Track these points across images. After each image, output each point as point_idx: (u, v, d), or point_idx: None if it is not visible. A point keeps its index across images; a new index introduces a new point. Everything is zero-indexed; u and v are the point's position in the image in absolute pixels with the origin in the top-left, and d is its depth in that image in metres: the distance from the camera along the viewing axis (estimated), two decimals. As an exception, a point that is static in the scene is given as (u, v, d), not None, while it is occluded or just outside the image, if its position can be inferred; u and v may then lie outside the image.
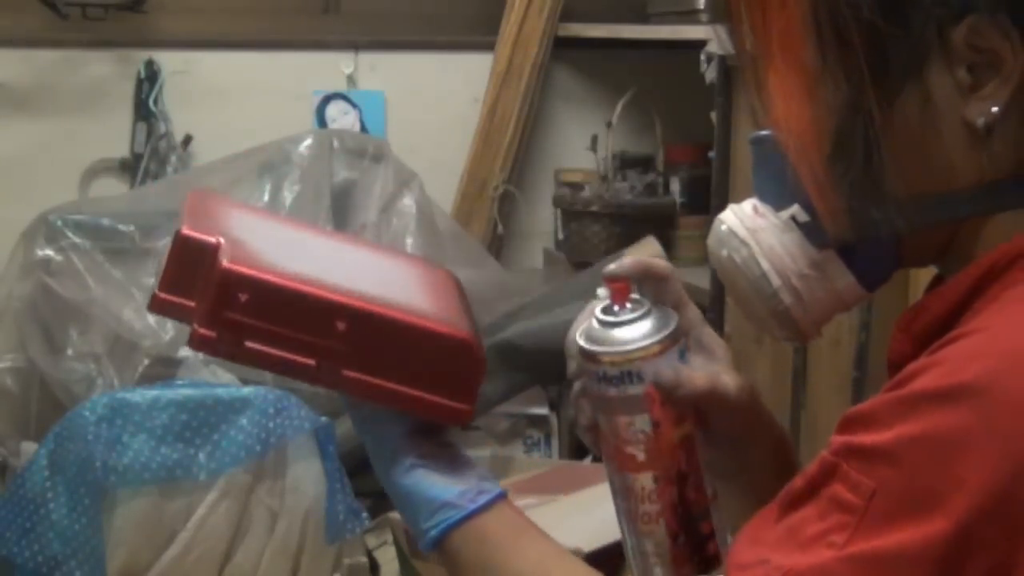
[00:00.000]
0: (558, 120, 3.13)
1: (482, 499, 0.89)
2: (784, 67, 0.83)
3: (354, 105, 3.05)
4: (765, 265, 0.88)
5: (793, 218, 0.88)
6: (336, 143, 2.74)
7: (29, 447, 2.38)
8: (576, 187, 2.94)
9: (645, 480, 0.90)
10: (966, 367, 0.71)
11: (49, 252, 2.56)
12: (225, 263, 0.85)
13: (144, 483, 2.24)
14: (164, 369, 2.44)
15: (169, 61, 2.96)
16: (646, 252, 2.45)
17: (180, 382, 2.36)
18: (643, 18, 2.95)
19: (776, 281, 0.88)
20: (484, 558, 0.88)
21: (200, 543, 2.26)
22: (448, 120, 3.08)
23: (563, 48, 3.01)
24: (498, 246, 3.02)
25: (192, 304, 0.87)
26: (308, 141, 2.71)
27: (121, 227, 2.59)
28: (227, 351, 0.86)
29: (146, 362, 2.44)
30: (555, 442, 2.70)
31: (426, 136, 3.06)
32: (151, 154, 2.92)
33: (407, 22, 3.09)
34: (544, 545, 0.90)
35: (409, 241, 2.66)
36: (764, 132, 0.88)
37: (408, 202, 2.72)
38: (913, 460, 0.70)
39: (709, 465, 0.93)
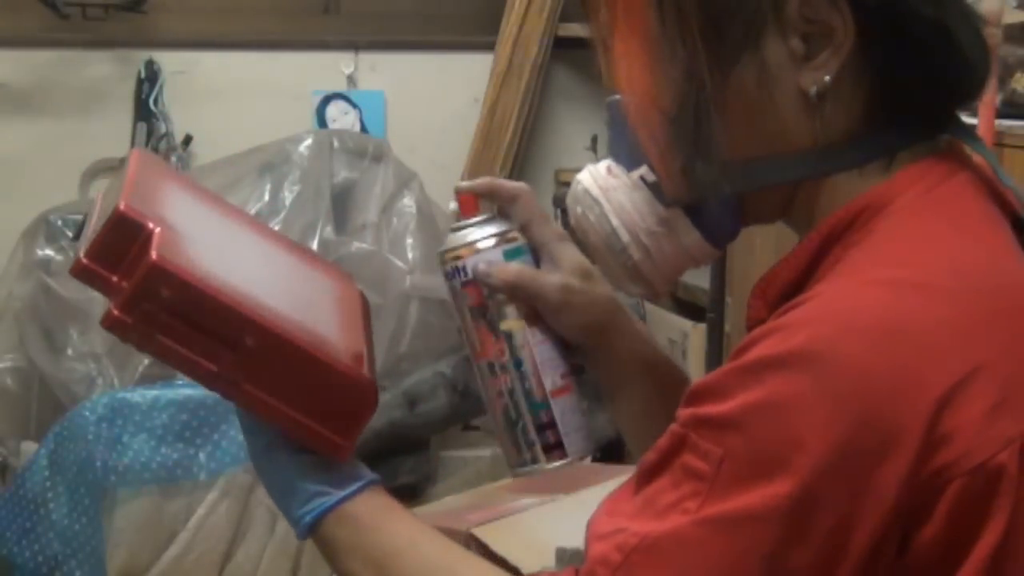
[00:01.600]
0: (558, 120, 3.13)
1: (353, 486, 0.93)
2: (628, 34, 0.87)
3: (354, 105, 3.05)
4: (615, 222, 0.93)
5: (642, 178, 0.92)
6: (336, 143, 2.74)
7: (29, 447, 2.38)
8: (576, 187, 2.94)
9: (484, 366, 1.01)
10: (798, 333, 0.74)
11: (49, 252, 2.56)
12: (154, 256, 0.86)
13: (144, 483, 2.25)
14: (164, 369, 2.43)
15: (169, 61, 2.96)
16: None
17: (180, 382, 2.36)
18: (643, 18, 2.95)
19: (625, 237, 0.92)
20: (357, 540, 0.92)
21: (200, 543, 2.27)
22: (448, 120, 3.08)
23: (563, 48, 3.01)
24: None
25: (115, 279, 0.88)
26: (308, 141, 2.71)
27: (121, 227, 2.58)
28: (137, 340, 0.88)
29: (146, 362, 2.44)
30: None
31: (426, 136, 3.06)
32: (151, 154, 2.92)
33: (407, 22, 3.09)
34: (414, 526, 0.94)
35: (409, 241, 2.66)
36: (618, 97, 0.92)
37: (408, 202, 2.72)
38: (756, 426, 0.74)
39: (572, 369, 1.01)
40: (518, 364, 1.00)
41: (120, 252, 0.87)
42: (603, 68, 0.91)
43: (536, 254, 1.02)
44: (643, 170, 0.92)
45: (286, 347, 0.90)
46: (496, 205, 1.03)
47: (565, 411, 1.00)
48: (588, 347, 1.02)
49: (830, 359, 0.73)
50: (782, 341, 0.75)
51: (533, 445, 1.00)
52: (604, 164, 0.95)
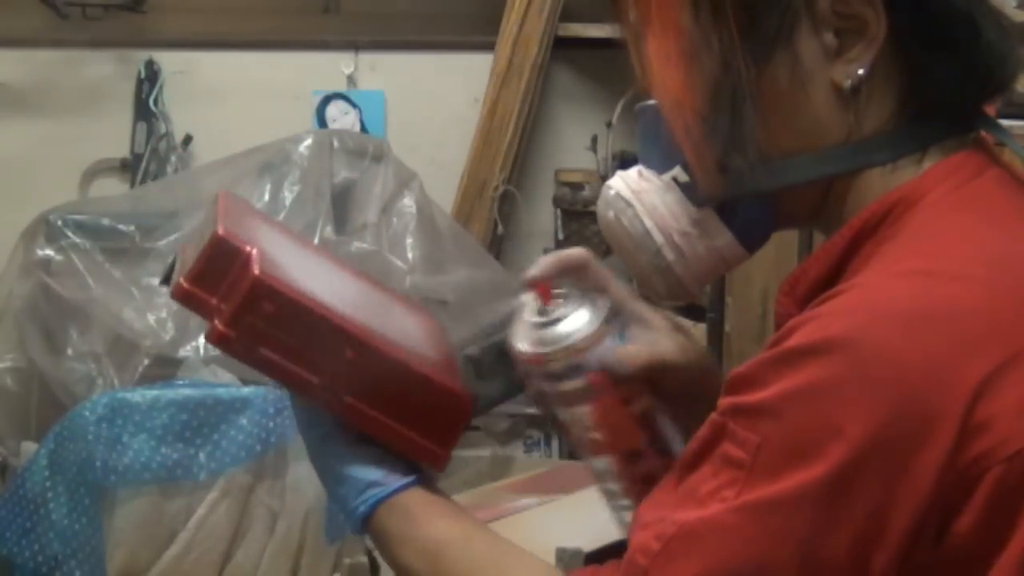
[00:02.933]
0: (558, 120, 3.12)
1: (407, 478, 0.95)
2: (661, 32, 0.87)
3: (354, 105, 3.04)
4: (648, 223, 0.92)
5: (674, 179, 0.91)
6: (336, 143, 2.74)
7: (29, 447, 2.38)
8: (576, 187, 2.94)
9: (615, 460, 0.95)
10: (836, 321, 0.75)
11: (49, 252, 2.56)
12: (257, 272, 0.90)
13: (144, 483, 2.25)
14: (164, 369, 2.44)
15: (169, 61, 2.96)
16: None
17: (180, 382, 2.36)
18: (643, 18, 2.94)
19: (659, 238, 0.92)
20: (410, 531, 0.93)
21: (200, 543, 2.27)
22: (448, 120, 3.08)
23: (563, 48, 3.00)
24: (498, 246, 3.01)
25: (213, 301, 0.91)
26: (308, 141, 2.71)
27: (121, 227, 2.59)
28: (241, 353, 0.91)
29: (146, 362, 2.44)
30: (555, 442, 2.70)
31: (426, 136, 3.06)
32: (151, 154, 2.92)
33: (407, 22, 3.09)
34: (466, 520, 0.95)
35: (409, 241, 2.66)
36: (649, 103, 0.92)
37: (408, 202, 2.72)
38: (793, 413, 0.74)
39: (681, 428, 0.97)
40: (653, 445, 0.95)
41: (219, 275, 0.91)
42: (636, 68, 0.91)
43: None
44: (675, 171, 0.91)
45: (385, 360, 0.93)
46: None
47: None
48: (688, 397, 0.98)
49: (866, 346, 0.73)
50: (818, 330, 0.75)
51: None
52: (635, 169, 0.95)
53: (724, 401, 0.79)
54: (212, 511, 2.27)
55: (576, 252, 0.99)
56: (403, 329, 1.01)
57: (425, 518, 0.94)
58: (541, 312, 0.93)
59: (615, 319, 0.94)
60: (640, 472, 0.95)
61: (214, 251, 0.91)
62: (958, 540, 0.73)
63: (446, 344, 1.05)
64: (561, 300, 0.93)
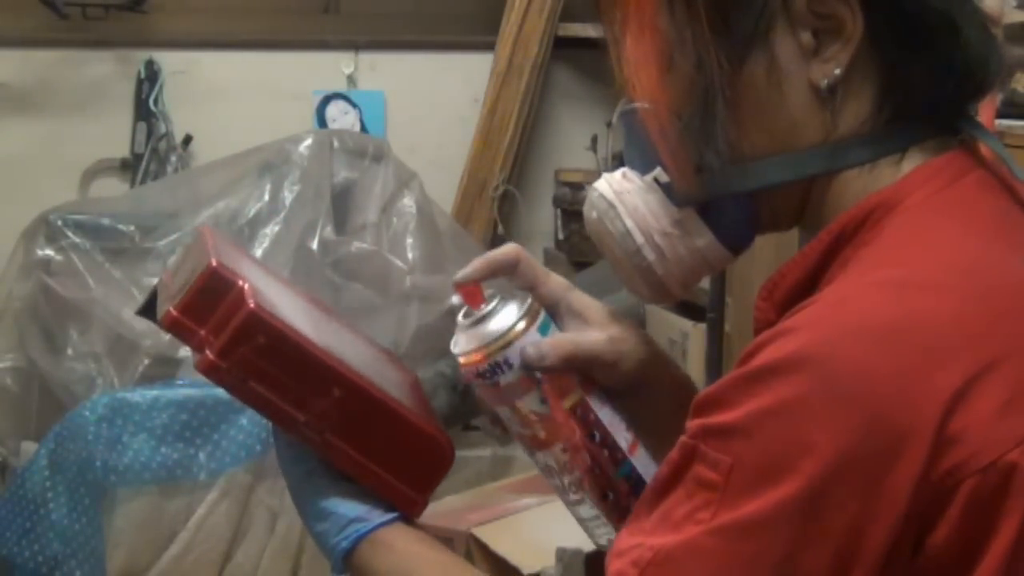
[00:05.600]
0: (558, 120, 3.13)
1: (387, 515, 0.95)
2: (638, 32, 0.87)
3: (354, 105, 3.05)
4: (629, 223, 0.92)
5: (656, 180, 0.91)
6: (336, 143, 2.74)
7: (29, 447, 2.38)
8: (576, 187, 2.94)
9: (556, 454, 0.95)
10: (805, 336, 0.74)
11: (49, 252, 2.56)
12: (252, 305, 0.91)
13: (144, 483, 2.25)
14: (164, 369, 2.44)
15: (169, 61, 2.97)
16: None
17: (180, 382, 2.36)
18: (643, 18, 2.94)
19: (639, 238, 0.92)
20: (392, 566, 0.94)
21: (200, 543, 2.27)
22: (448, 120, 3.08)
23: (563, 48, 3.01)
24: (498, 246, 3.01)
25: (202, 332, 0.92)
26: (308, 141, 2.71)
27: (121, 227, 2.59)
28: (230, 384, 0.92)
29: (146, 362, 2.44)
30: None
31: (426, 136, 3.06)
32: (151, 154, 2.92)
33: (407, 22, 3.09)
34: (447, 555, 0.96)
35: (409, 241, 2.66)
36: (632, 106, 0.91)
37: (408, 202, 2.72)
38: (764, 432, 0.73)
39: (628, 419, 0.97)
40: (592, 437, 0.95)
41: (210, 306, 0.92)
42: (615, 69, 0.91)
43: (552, 313, 0.98)
44: (657, 172, 0.91)
45: (372, 401, 0.94)
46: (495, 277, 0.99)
47: (646, 463, 0.96)
48: (635, 390, 0.99)
49: (835, 362, 0.72)
50: (787, 345, 0.74)
51: (628, 509, 0.93)
52: (620, 171, 0.95)
53: (693, 423, 0.78)
54: (212, 511, 2.27)
55: (506, 250, 1.01)
56: (385, 374, 1.01)
57: (407, 553, 0.94)
58: (467, 314, 0.95)
59: (540, 314, 0.95)
60: (583, 464, 0.95)
61: (206, 283, 0.92)
62: (934, 553, 0.73)
63: (422, 395, 1.06)
64: (485, 303, 0.95)
